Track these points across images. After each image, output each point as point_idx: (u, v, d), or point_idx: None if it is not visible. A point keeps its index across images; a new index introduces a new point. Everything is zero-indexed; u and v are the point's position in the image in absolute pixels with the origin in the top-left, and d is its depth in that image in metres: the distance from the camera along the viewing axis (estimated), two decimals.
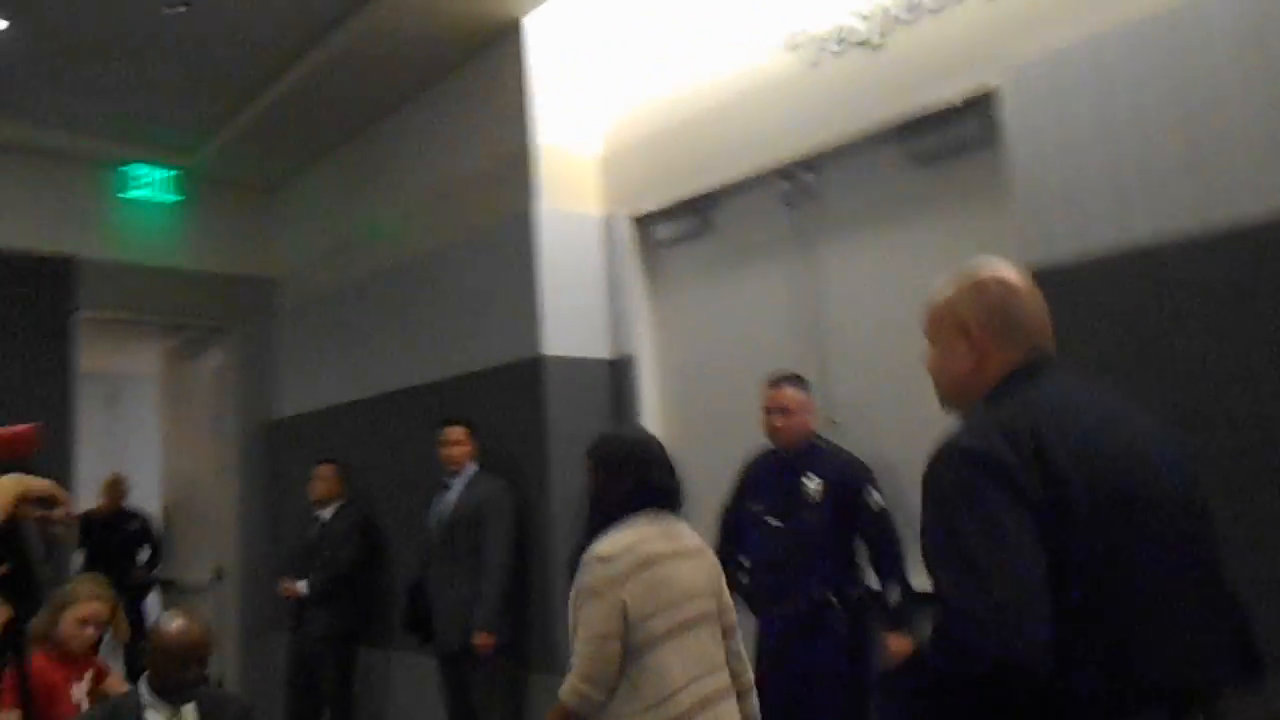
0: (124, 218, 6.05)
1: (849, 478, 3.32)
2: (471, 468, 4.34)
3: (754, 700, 2.48)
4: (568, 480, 4.16)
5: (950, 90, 3.30)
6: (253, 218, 6.56)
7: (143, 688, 2.89)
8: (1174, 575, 1.41)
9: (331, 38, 4.68)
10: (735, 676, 2.40)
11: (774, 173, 3.92)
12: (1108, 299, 2.85)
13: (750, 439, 3.68)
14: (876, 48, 3.58)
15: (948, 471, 1.43)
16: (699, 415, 4.28)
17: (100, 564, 6.30)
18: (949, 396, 1.71)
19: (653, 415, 4.37)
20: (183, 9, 4.40)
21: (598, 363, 4.39)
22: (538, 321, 4.24)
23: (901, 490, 3.40)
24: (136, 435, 9.19)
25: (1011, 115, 3.11)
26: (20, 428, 1.63)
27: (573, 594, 2.28)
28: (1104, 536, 1.35)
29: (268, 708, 5.68)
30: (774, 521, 3.41)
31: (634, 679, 2.18)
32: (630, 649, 2.19)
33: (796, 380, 3.48)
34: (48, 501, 1.50)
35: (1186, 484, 1.49)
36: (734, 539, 3.55)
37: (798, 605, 3.31)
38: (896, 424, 3.51)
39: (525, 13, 4.44)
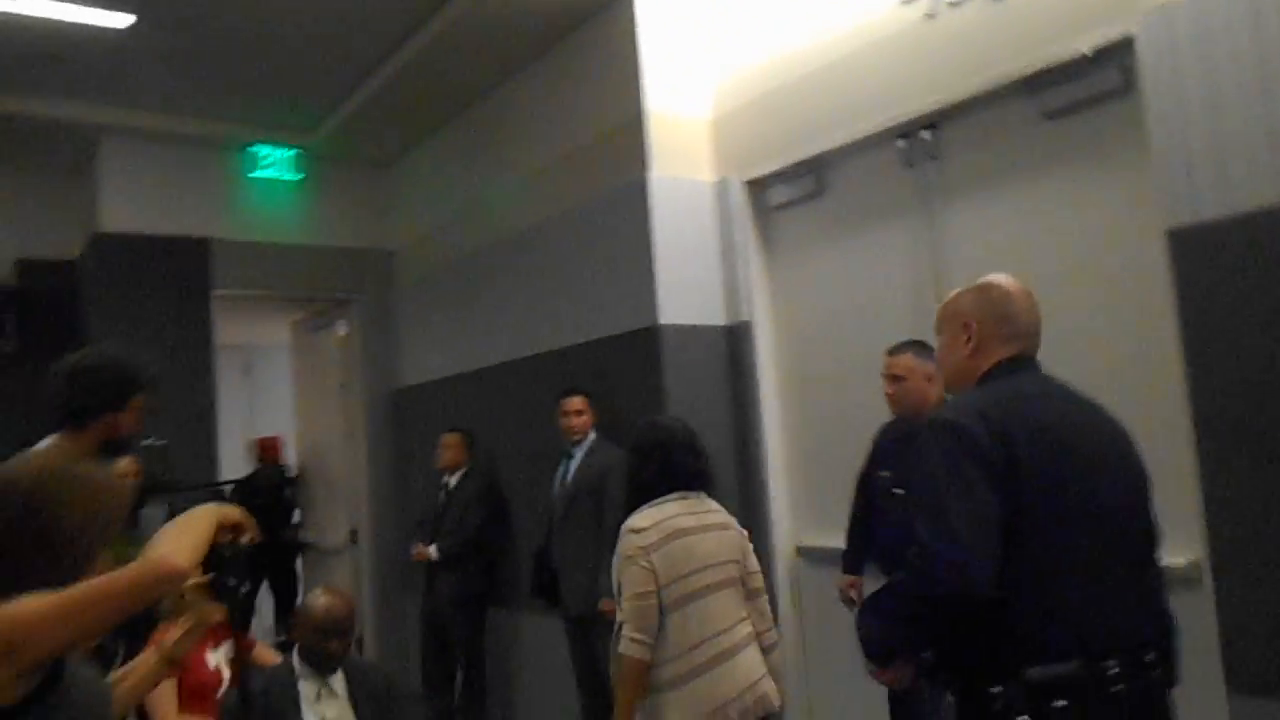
0: (251, 198, 6.31)
1: None
2: (592, 436, 4.41)
3: (777, 656, 2.80)
4: None
5: (1082, 40, 3.13)
6: (371, 192, 6.75)
7: (295, 659, 3.07)
8: (1101, 533, 1.74)
9: (444, 11, 4.73)
10: (759, 634, 2.75)
11: (892, 132, 3.80)
12: (1258, 259, 2.69)
13: (867, 404, 3.64)
14: None
15: (933, 440, 1.81)
16: (816, 380, 4.24)
17: (259, 523, 6.66)
18: (950, 378, 2.05)
19: (769, 381, 4.35)
20: None
21: (714, 329, 4.38)
22: (653, 290, 4.24)
23: None
24: (269, 403, 9.64)
25: (1150, 64, 2.93)
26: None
27: (614, 561, 2.69)
28: (1046, 494, 1.72)
29: (401, 668, 5.96)
30: (898, 490, 3.36)
31: (665, 632, 2.58)
32: (661, 608, 2.58)
33: (917, 346, 3.39)
34: (237, 528, 1.67)
35: (1125, 457, 1.89)
36: (868, 505, 3.56)
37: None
38: None
39: None
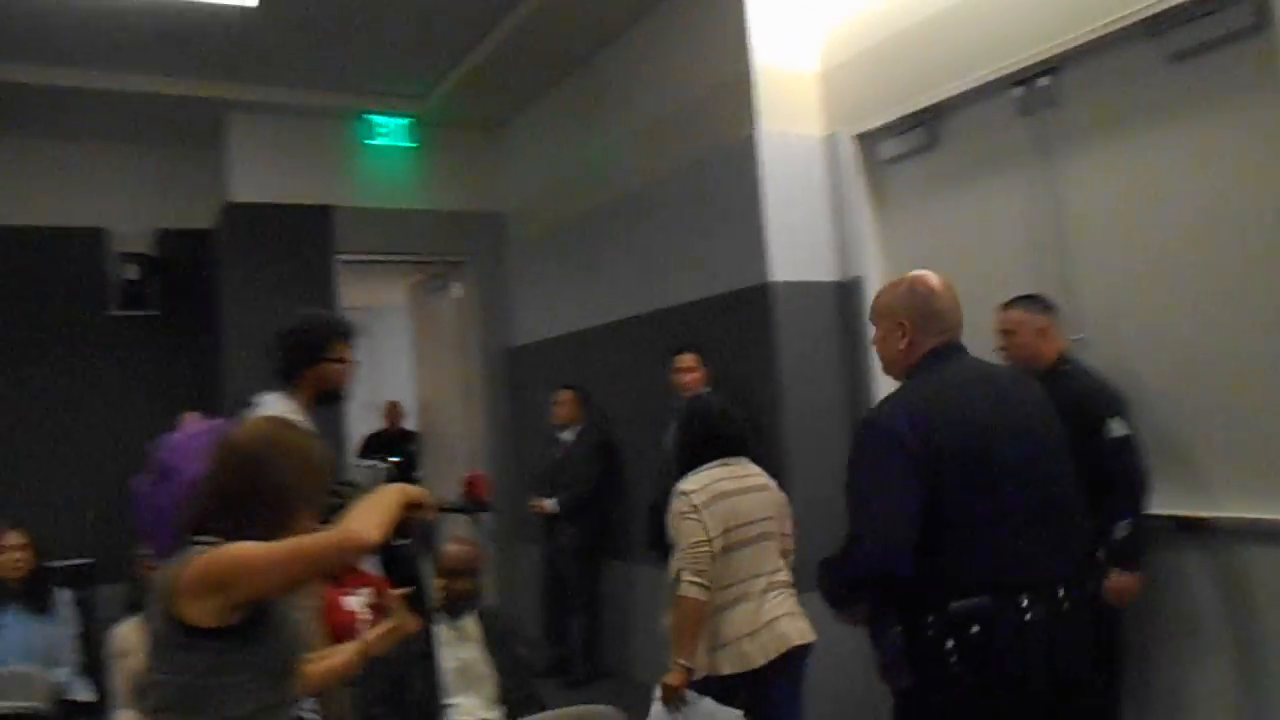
0: (369, 166, 6.54)
1: (1087, 407, 3.04)
2: (705, 392, 4.48)
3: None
4: (799, 405, 4.23)
5: None
6: (482, 156, 6.92)
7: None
8: (1017, 498, 2.07)
9: None
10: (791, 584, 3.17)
11: (1007, 79, 3.72)
12: None
13: (982, 358, 3.60)
14: None
15: (863, 437, 2.21)
16: None
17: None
18: (888, 368, 2.35)
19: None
20: None
21: (825, 285, 4.38)
22: (764, 246, 4.27)
23: (1151, 406, 3.25)
24: (387, 364, 9.99)
25: None
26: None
27: (669, 519, 3.06)
28: (964, 469, 2.05)
29: (522, 617, 6.19)
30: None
31: (714, 575, 2.94)
32: (711, 556, 2.95)
33: (1027, 301, 3.35)
34: (419, 506, 1.84)
35: (1042, 426, 2.21)
36: None
37: None
38: (1149, 338, 3.34)
39: None
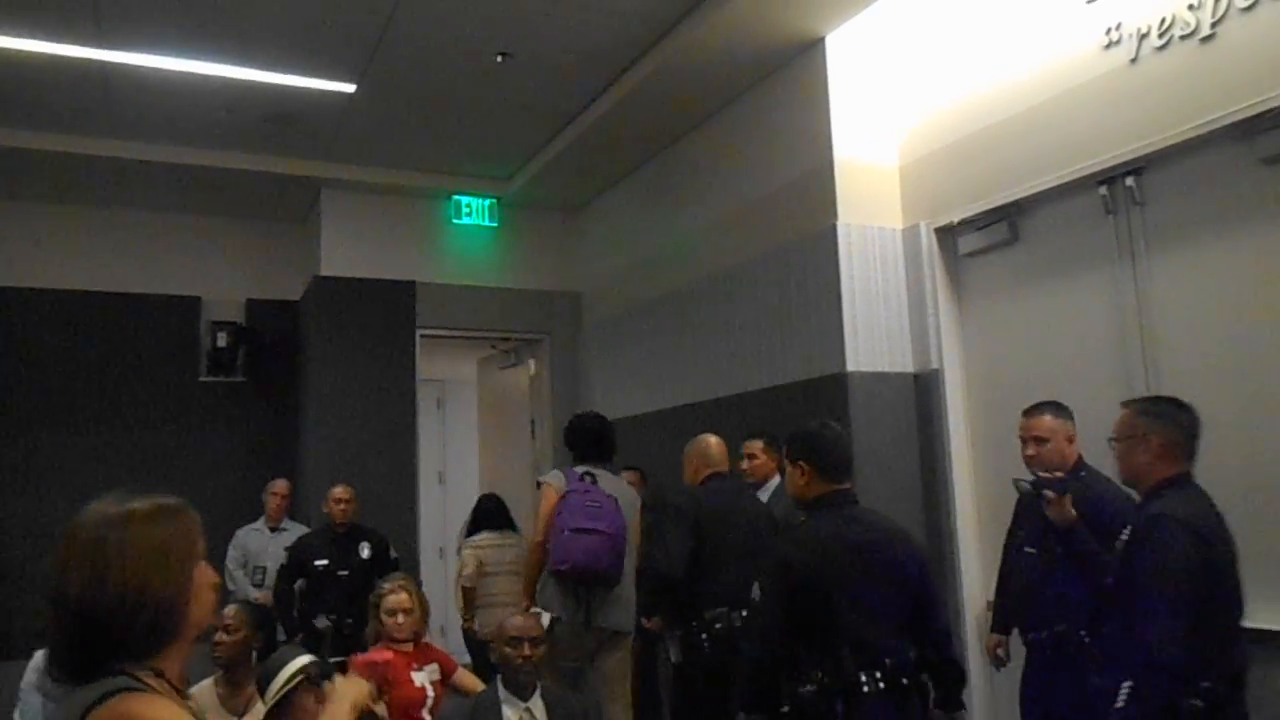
0: (452, 244, 6.76)
1: (1103, 511, 3.04)
2: (775, 480, 4.46)
3: None
4: (875, 495, 4.18)
5: None
6: (561, 237, 7.10)
7: (499, 686, 3.26)
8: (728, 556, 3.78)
9: (637, 66, 4.96)
10: None
11: (1093, 178, 3.73)
12: None
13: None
14: (1207, 39, 3.33)
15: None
16: (1008, 430, 4.15)
17: None
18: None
19: (959, 430, 4.30)
20: (500, 58, 4.85)
21: (902, 377, 4.37)
22: (840, 336, 4.29)
23: (1235, 507, 3.15)
24: (457, 435, 10.14)
25: None
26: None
27: None
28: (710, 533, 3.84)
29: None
30: (1029, 549, 3.34)
31: None
32: None
33: (1054, 408, 3.34)
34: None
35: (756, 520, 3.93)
36: (1006, 564, 3.59)
37: (1051, 634, 3.21)
38: (1239, 445, 3.25)
39: (829, 30, 4.49)
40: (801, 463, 2.80)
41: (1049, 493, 3.00)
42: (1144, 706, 2.35)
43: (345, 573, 5.08)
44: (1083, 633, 3.09)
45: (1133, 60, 3.57)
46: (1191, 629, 2.36)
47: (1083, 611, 3.06)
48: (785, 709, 2.54)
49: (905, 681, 2.58)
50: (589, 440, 4.36)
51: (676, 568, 3.77)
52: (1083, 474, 3.23)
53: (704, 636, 3.71)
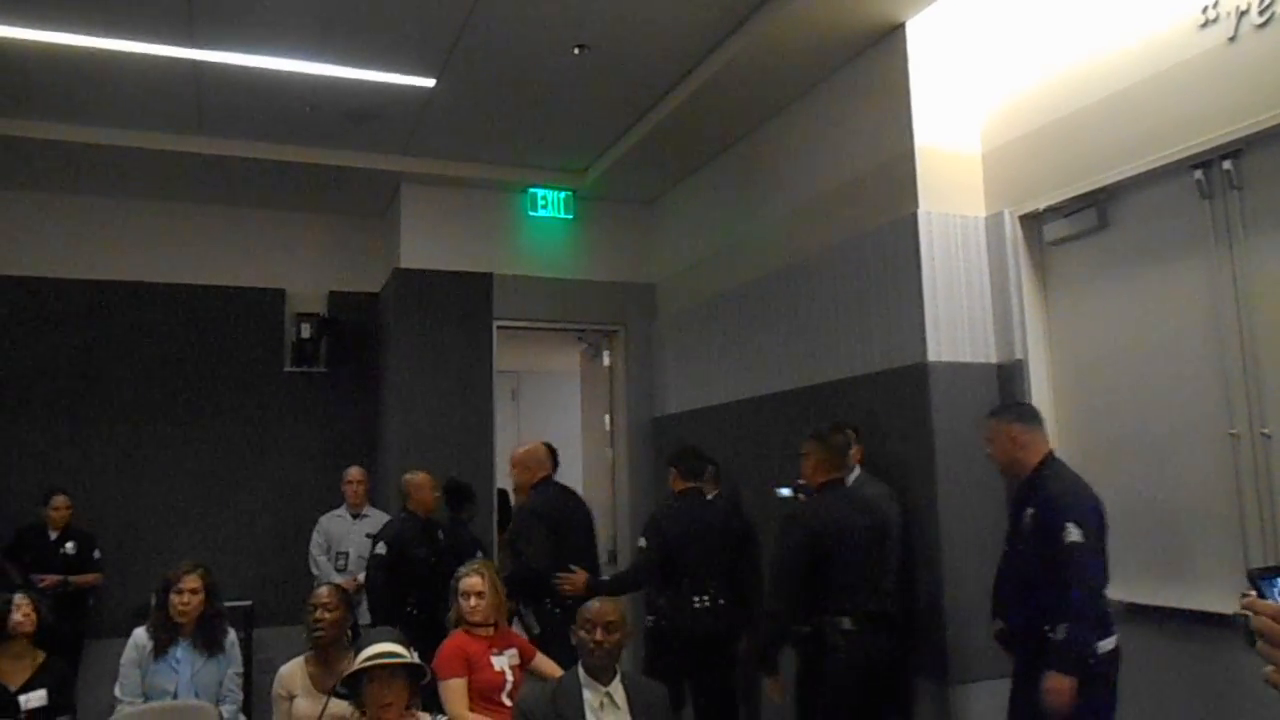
0: (529, 236, 6.82)
1: (1050, 510, 3.26)
2: (857, 471, 4.42)
3: None
4: (954, 486, 4.13)
5: None
6: (635, 229, 7.12)
7: (580, 671, 3.29)
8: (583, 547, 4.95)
9: (714, 56, 4.94)
10: None
11: (1187, 162, 3.61)
12: None
13: (1149, 448, 3.60)
14: None
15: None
16: (1095, 421, 4.06)
17: None
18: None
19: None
20: (577, 51, 4.88)
21: (985, 367, 4.29)
22: (922, 326, 4.22)
23: None
24: (531, 425, 10.25)
25: None
26: None
27: None
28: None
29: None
30: (1005, 546, 3.50)
31: None
32: None
33: (1006, 411, 3.61)
34: None
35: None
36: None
37: (1014, 632, 3.41)
38: None
39: (910, 15, 4.43)
40: (811, 454, 3.97)
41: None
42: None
43: (433, 559, 5.23)
44: (1046, 627, 3.20)
45: (1231, 39, 3.44)
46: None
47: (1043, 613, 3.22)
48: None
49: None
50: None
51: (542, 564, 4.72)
52: (1046, 472, 3.41)
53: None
